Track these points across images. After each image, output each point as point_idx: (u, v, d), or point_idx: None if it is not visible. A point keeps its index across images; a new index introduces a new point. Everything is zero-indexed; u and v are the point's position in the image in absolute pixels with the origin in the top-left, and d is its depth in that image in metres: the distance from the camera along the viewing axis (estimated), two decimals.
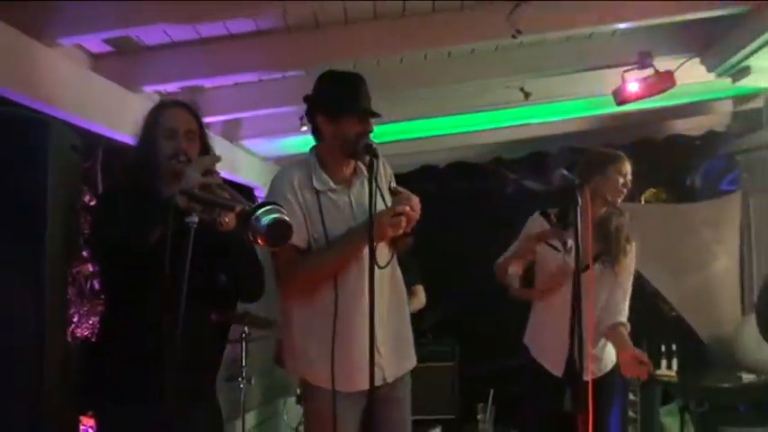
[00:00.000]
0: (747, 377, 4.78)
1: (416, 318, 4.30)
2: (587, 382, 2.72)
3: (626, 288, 3.34)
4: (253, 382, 4.52)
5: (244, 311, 4.30)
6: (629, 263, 3.34)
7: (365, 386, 2.47)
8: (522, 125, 5.00)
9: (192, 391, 2.38)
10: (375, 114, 2.66)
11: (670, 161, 6.02)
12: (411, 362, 2.86)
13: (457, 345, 4.78)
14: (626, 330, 3.26)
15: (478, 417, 4.72)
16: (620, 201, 3.31)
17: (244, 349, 4.39)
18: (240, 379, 4.38)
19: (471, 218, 5.51)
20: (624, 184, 3.28)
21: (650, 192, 6.77)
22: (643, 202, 6.75)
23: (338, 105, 2.63)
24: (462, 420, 4.76)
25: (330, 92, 2.68)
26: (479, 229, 4.70)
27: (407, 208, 2.62)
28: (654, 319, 5.54)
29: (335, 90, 2.68)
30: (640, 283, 5.55)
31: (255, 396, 4.84)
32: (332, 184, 2.70)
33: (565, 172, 2.70)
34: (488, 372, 4.72)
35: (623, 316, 3.31)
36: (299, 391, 4.18)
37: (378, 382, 2.58)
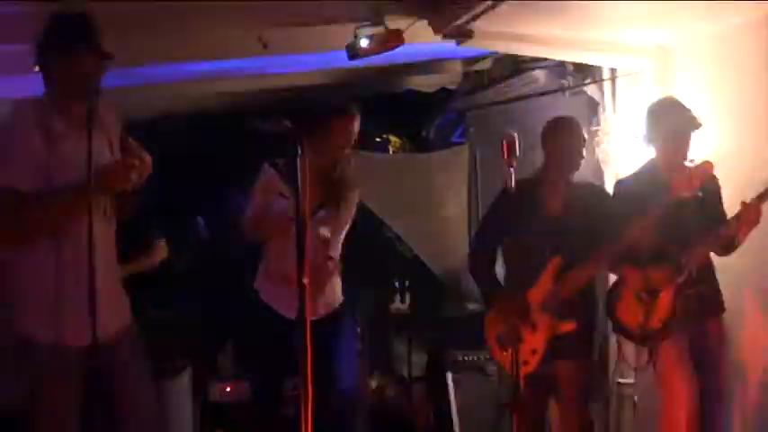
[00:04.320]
0: (472, 306, 5.08)
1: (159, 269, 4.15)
2: (313, 321, 2.73)
3: (344, 229, 3.44)
4: None
5: None
6: (350, 207, 3.43)
7: (89, 339, 2.36)
8: (266, 75, 4.86)
9: None
10: (108, 55, 2.52)
11: (409, 115, 6.17)
12: (129, 318, 2.76)
13: (200, 289, 4.63)
14: (333, 263, 3.39)
15: (219, 360, 4.67)
16: (346, 151, 3.31)
17: None
18: None
19: (213, 167, 5.29)
20: (349, 138, 3.29)
21: (397, 142, 6.94)
22: (391, 152, 6.91)
23: (70, 43, 2.49)
24: (205, 365, 4.64)
25: (61, 30, 2.52)
26: (222, 178, 4.53)
27: (136, 162, 2.52)
28: (392, 260, 5.74)
29: (67, 28, 2.52)
30: (381, 228, 5.75)
31: None
32: (63, 127, 2.51)
33: (288, 123, 2.61)
34: (229, 316, 4.62)
35: (335, 252, 3.41)
36: None
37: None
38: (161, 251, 4.09)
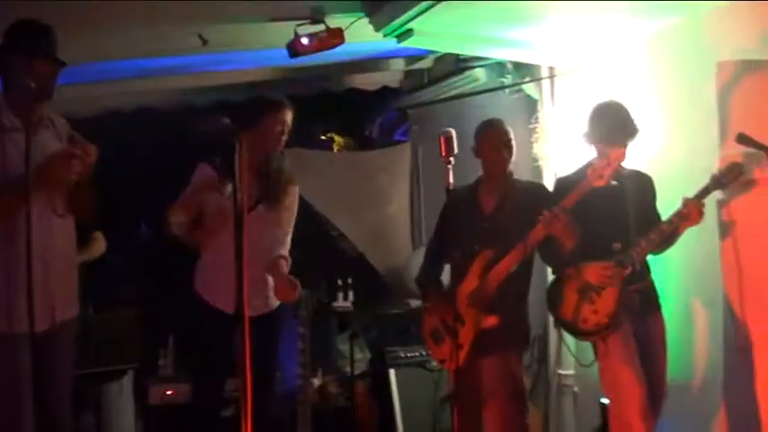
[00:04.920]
0: (415, 303, 5.10)
1: (99, 263, 4.06)
2: (253, 320, 2.70)
3: (288, 226, 3.41)
4: None
5: None
6: (291, 203, 3.40)
7: (43, 326, 2.54)
8: (208, 72, 4.80)
9: None
10: (62, 63, 2.71)
11: (351, 113, 6.16)
12: (76, 308, 2.87)
13: (140, 291, 4.54)
14: (285, 262, 3.33)
15: (160, 362, 4.59)
16: (279, 147, 3.29)
17: None
18: None
19: (157, 164, 5.19)
20: (281, 132, 3.27)
21: (341, 141, 6.93)
22: (336, 151, 6.89)
23: (29, 49, 2.64)
24: (146, 367, 4.56)
25: (22, 37, 2.68)
26: (165, 176, 4.43)
27: (78, 151, 2.63)
28: (336, 258, 5.72)
29: (27, 35, 2.68)
30: (325, 226, 5.74)
31: None
32: (18, 124, 2.62)
33: (224, 120, 2.58)
34: (169, 318, 4.53)
35: (284, 250, 3.38)
36: None
37: (46, 326, 2.61)
38: (99, 244, 4.00)
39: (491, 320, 3.42)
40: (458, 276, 3.52)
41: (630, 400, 3.29)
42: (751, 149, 3.18)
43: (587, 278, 3.36)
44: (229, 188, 3.09)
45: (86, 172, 2.64)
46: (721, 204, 3.51)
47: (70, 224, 2.82)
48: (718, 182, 3.27)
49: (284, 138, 3.29)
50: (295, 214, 3.42)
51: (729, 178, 3.25)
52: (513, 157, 3.64)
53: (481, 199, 3.61)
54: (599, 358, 3.45)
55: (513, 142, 3.64)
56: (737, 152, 3.28)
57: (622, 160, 3.25)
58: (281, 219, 3.34)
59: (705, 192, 3.27)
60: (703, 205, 3.26)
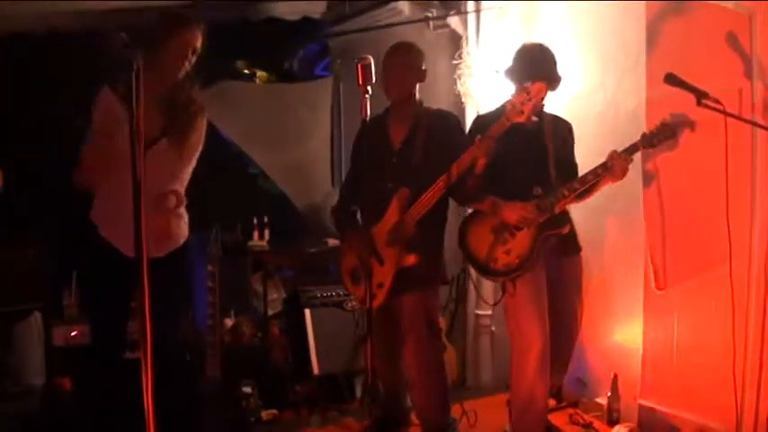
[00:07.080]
0: (332, 242, 4.95)
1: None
2: (155, 260, 2.49)
3: (190, 162, 3.07)
4: None
5: None
6: (198, 138, 3.05)
7: None
8: None
9: None
10: None
11: (270, 44, 5.82)
12: None
13: (45, 228, 4.22)
14: (175, 197, 3.04)
15: (64, 302, 4.31)
16: (185, 69, 2.94)
17: None
18: None
19: (63, 92, 4.76)
20: (187, 56, 2.92)
21: (264, 76, 6.59)
22: (258, 82, 6.56)
23: None
24: (52, 308, 4.29)
25: None
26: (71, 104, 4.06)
27: None
28: (251, 196, 5.49)
29: None
30: (244, 164, 5.48)
31: None
32: None
33: (123, 35, 2.28)
34: (70, 256, 4.22)
35: (181, 185, 3.07)
36: None
37: None
38: None
39: (411, 258, 3.31)
40: (374, 214, 3.36)
41: (530, 349, 3.25)
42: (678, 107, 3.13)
43: (504, 217, 3.25)
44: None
45: None
46: (646, 152, 3.48)
47: None
48: (648, 141, 3.24)
49: (189, 63, 2.93)
50: (200, 148, 3.10)
51: (660, 138, 3.22)
52: (418, 83, 3.43)
53: (390, 131, 3.42)
54: (506, 301, 3.37)
55: (419, 68, 3.41)
56: (664, 92, 3.22)
57: (543, 96, 3.11)
58: (183, 155, 3.00)
59: (633, 148, 3.23)
60: (630, 161, 3.19)
